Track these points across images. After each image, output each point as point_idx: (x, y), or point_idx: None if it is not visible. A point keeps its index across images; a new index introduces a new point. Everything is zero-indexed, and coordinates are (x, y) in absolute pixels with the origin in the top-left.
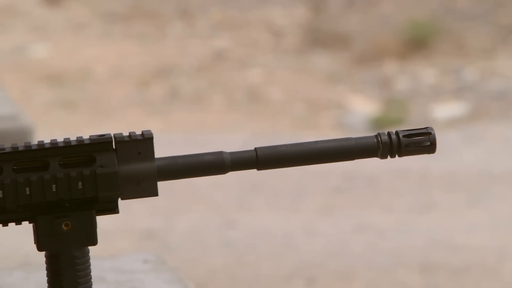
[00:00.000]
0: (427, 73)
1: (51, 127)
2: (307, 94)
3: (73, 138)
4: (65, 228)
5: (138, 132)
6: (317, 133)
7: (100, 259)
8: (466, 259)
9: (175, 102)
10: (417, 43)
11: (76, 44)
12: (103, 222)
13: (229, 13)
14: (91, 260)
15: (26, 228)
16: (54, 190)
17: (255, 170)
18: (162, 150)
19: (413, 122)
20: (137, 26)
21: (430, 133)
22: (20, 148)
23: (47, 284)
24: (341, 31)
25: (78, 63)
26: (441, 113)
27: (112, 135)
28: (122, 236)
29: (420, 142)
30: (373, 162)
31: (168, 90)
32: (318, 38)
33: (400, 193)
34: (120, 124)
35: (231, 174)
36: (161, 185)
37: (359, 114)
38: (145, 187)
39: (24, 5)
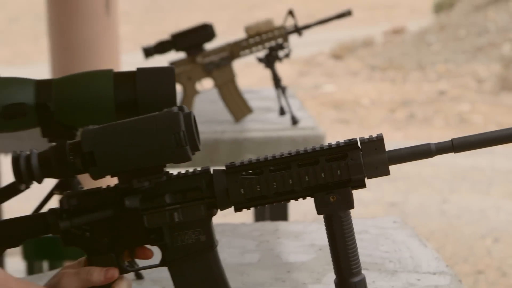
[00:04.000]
0: None
1: (334, 135)
2: (499, 120)
3: (333, 142)
4: (332, 199)
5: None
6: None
7: (365, 219)
8: None
9: (411, 122)
10: None
11: (351, 84)
12: (363, 195)
13: (449, 66)
14: (359, 220)
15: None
16: (323, 176)
17: (465, 164)
18: None
19: None
20: (389, 74)
21: None
22: (301, 151)
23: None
24: None
25: (351, 96)
26: None
27: (358, 139)
28: (375, 205)
29: None
30: None
31: (408, 115)
32: (507, 84)
33: None
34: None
35: (446, 169)
36: (400, 173)
37: None
38: (381, 170)
39: (320, 58)
